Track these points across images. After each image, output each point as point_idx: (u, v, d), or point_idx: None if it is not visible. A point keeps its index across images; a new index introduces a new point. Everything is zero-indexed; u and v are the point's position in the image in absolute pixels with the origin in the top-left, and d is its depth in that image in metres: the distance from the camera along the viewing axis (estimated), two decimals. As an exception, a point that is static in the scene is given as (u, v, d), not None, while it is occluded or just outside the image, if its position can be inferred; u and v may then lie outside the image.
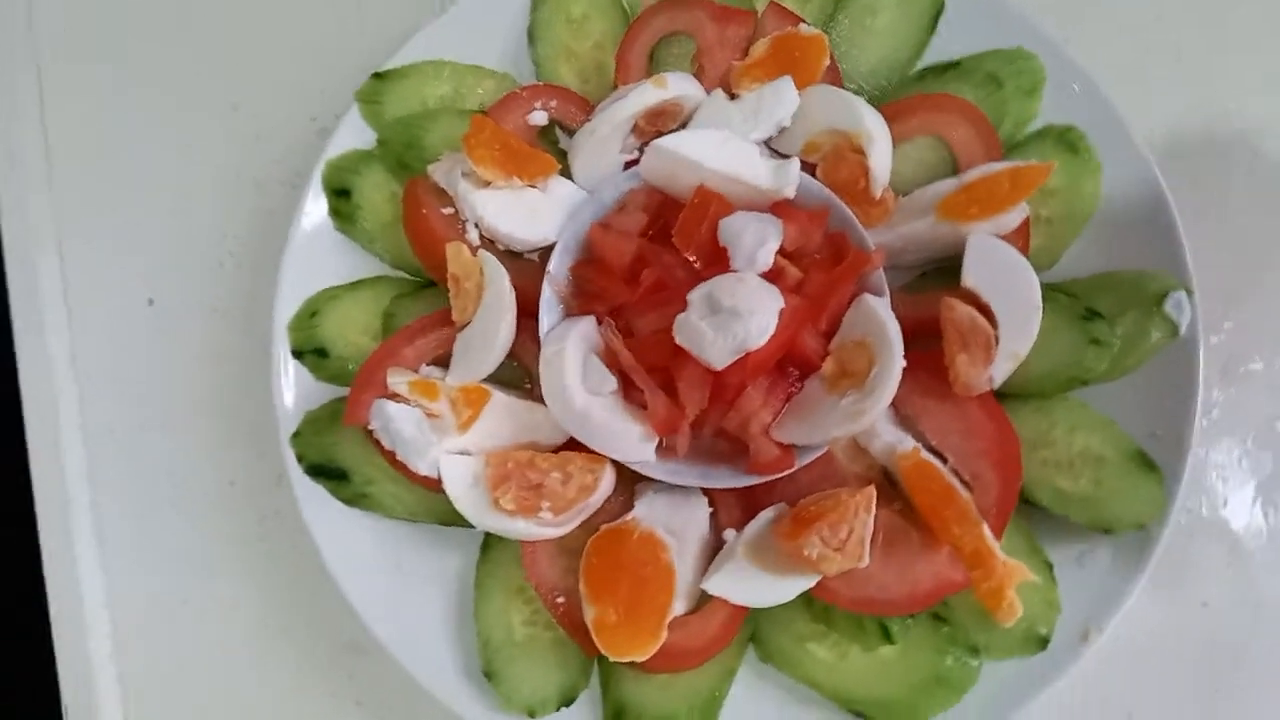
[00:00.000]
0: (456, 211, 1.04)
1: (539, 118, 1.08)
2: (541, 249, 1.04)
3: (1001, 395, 0.99)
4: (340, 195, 1.07)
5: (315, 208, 1.07)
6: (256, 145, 1.20)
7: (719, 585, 0.94)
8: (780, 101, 1.03)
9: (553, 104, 1.08)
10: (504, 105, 1.07)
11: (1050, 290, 1.00)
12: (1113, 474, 0.97)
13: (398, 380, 0.97)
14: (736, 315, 0.92)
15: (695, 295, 0.94)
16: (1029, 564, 0.95)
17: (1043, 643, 0.94)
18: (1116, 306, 1.01)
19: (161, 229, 1.19)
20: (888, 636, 0.94)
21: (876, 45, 1.10)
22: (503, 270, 0.98)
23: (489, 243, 1.04)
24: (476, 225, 1.03)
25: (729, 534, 0.97)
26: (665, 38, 1.09)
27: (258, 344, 1.09)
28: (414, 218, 1.04)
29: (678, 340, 0.93)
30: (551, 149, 1.09)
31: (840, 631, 0.96)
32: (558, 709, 0.97)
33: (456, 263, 1.00)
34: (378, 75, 1.09)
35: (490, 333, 0.97)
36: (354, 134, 1.09)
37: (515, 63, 1.13)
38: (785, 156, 1.04)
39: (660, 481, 0.98)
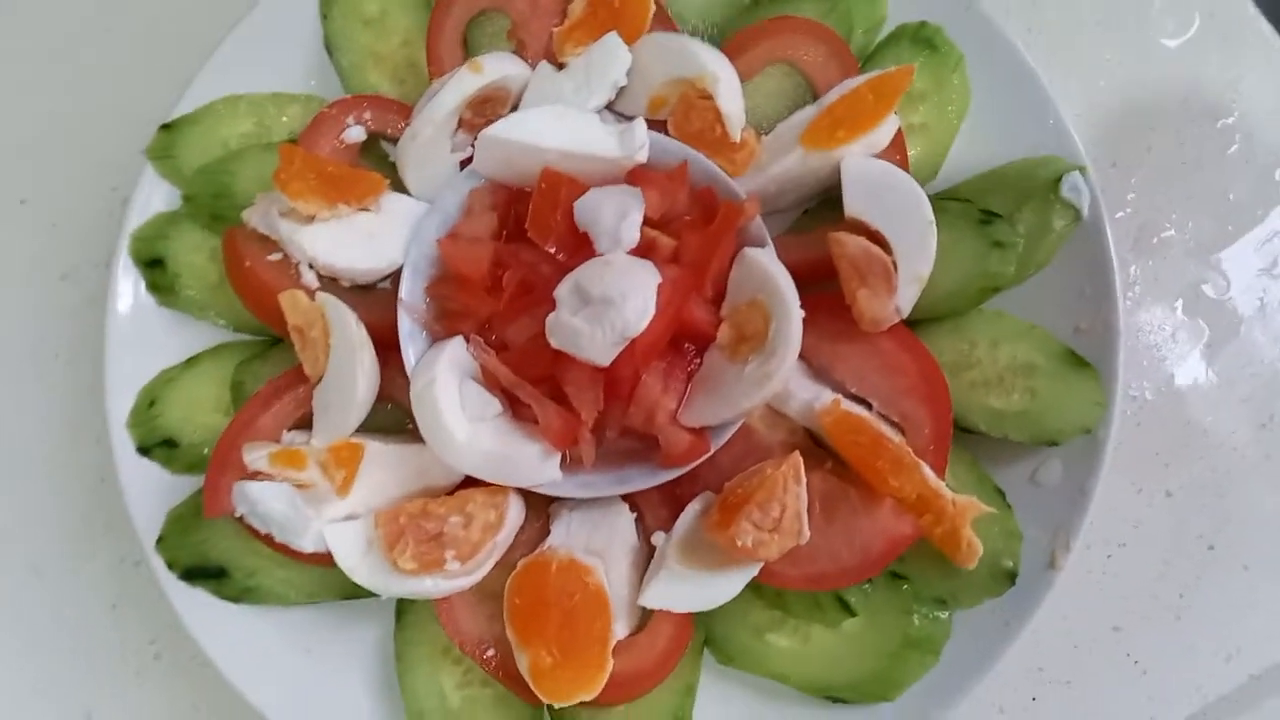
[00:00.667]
0: (285, 255, 0.93)
1: (355, 134, 0.97)
2: (390, 275, 0.94)
3: (912, 323, 0.92)
4: (154, 266, 0.95)
5: (129, 286, 0.95)
6: (56, 233, 1.07)
7: (657, 596, 0.85)
8: (610, 60, 0.94)
9: (367, 116, 0.97)
10: (314, 129, 0.96)
11: (939, 201, 0.93)
12: (1046, 381, 0.90)
13: (256, 455, 0.86)
14: (609, 303, 0.82)
15: (562, 290, 0.85)
16: (979, 496, 0.88)
17: (1010, 577, 0.87)
18: (1012, 203, 0.94)
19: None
20: (848, 609, 0.86)
21: None
22: (345, 309, 0.88)
23: (331, 282, 0.94)
24: (310, 266, 0.92)
25: (658, 538, 0.88)
26: (475, 18, 0.99)
27: (102, 448, 0.97)
28: (238, 272, 0.93)
29: (553, 344, 0.84)
30: (379, 165, 0.99)
31: (798, 615, 0.88)
32: (516, 770, 0.88)
33: (295, 312, 0.89)
34: (165, 127, 0.97)
35: (347, 381, 0.87)
36: (157, 196, 0.97)
37: (320, 80, 1.02)
38: (629, 118, 0.95)
39: (576, 499, 0.90)
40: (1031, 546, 0.88)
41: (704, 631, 0.89)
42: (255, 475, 0.86)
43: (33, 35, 1.13)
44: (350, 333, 0.87)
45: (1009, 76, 0.97)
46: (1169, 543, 1.00)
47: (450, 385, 0.87)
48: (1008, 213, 0.94)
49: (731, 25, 1.02)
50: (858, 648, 0.87)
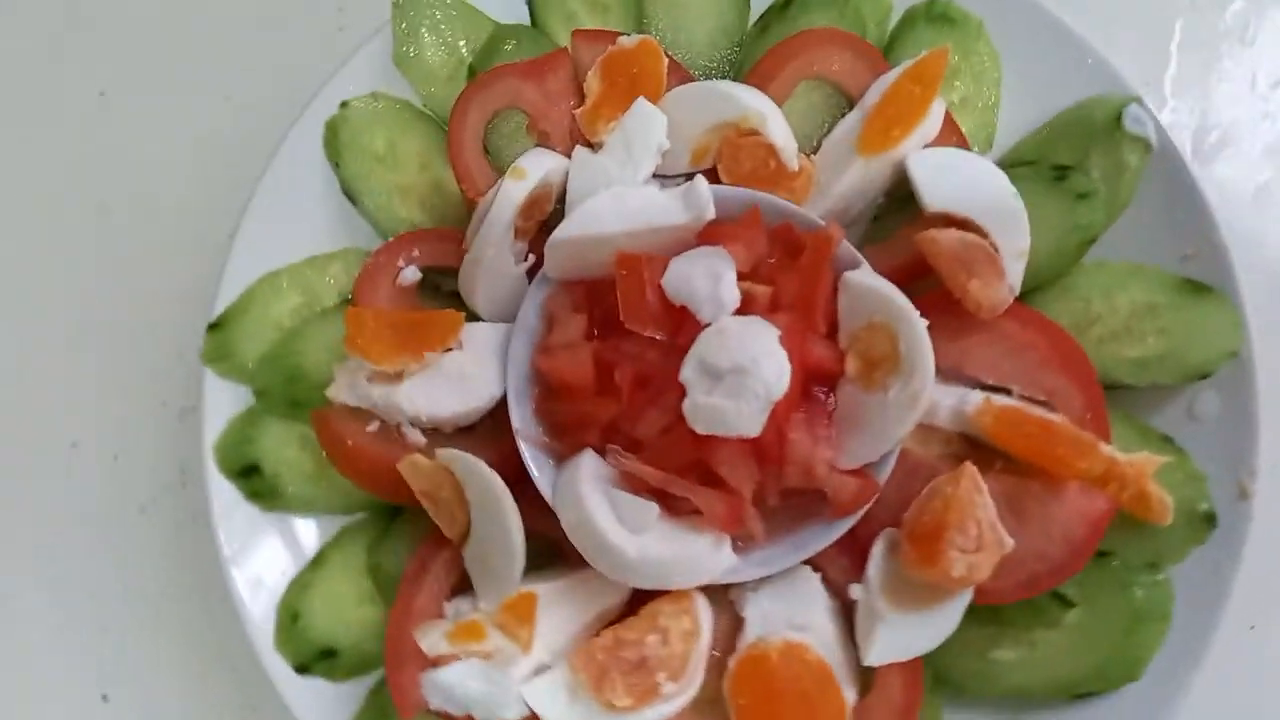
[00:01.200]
0: (383, 422, 0.88)
1: (410, 275, 0.92)
2: (493, 410, 0.90)
3: (1021, 298, 0.90)
4: (249, 475, 0.90)
5: (225, 501, 0.90)
6: (120, 467, 1.01)
7: (882, 652, 0.81)
8: (649, 126, 0.90)
9: (416, 253, 0.93)
10: (367, 283, 0.91)
11: (1009, 170, 0.91)
12: (1174, 316, 0.88)
13: (433, 641, 0.81)
14: (744, 371, 0.79)
15: (688, 373, 0.81)
16: (1148, 448, 0.86)
17: (1209, 519, 0.85)
18: (1079, 151, 0.93)
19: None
20: (1066, 602, 0.84)
21: (702, 19, 1.00)
22: (476, 461, 0.83)
23: (435, 432, 0.89)
24: (413, 424, 0.88)
25: (855, 590, 0.85)
26: (490, 124, 0.95)
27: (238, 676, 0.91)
28: (342, 454, 0.88)
29: (699, 430, 0.80)
30: (444, 300, 0.94)
31: (1016, 624, 0.85)
32: None
33: (419, 478, 0.84)
34: (213, 326, 0.92)
35: (499, 533, 0.82)
36: (224, 400, 0.92)
37: (349, 229, 0.97)
38: (683, 178, 0.93)
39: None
40: (1217, 484, 0.86)
41: (929, 671, 0.86)
42: (437, 661, 0.81)
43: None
44: (489, 483, 0.82)
45: (1033, 28, 0.96)
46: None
47: (601, 504, 0.82)
48: (1077, 162, 0.93)
49: (743, 56, 1.00)
50: (1088, 637, 0.84)
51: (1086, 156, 0.93)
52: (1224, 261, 0.90)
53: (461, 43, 0.98)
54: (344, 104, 0.96)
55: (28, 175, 1.10)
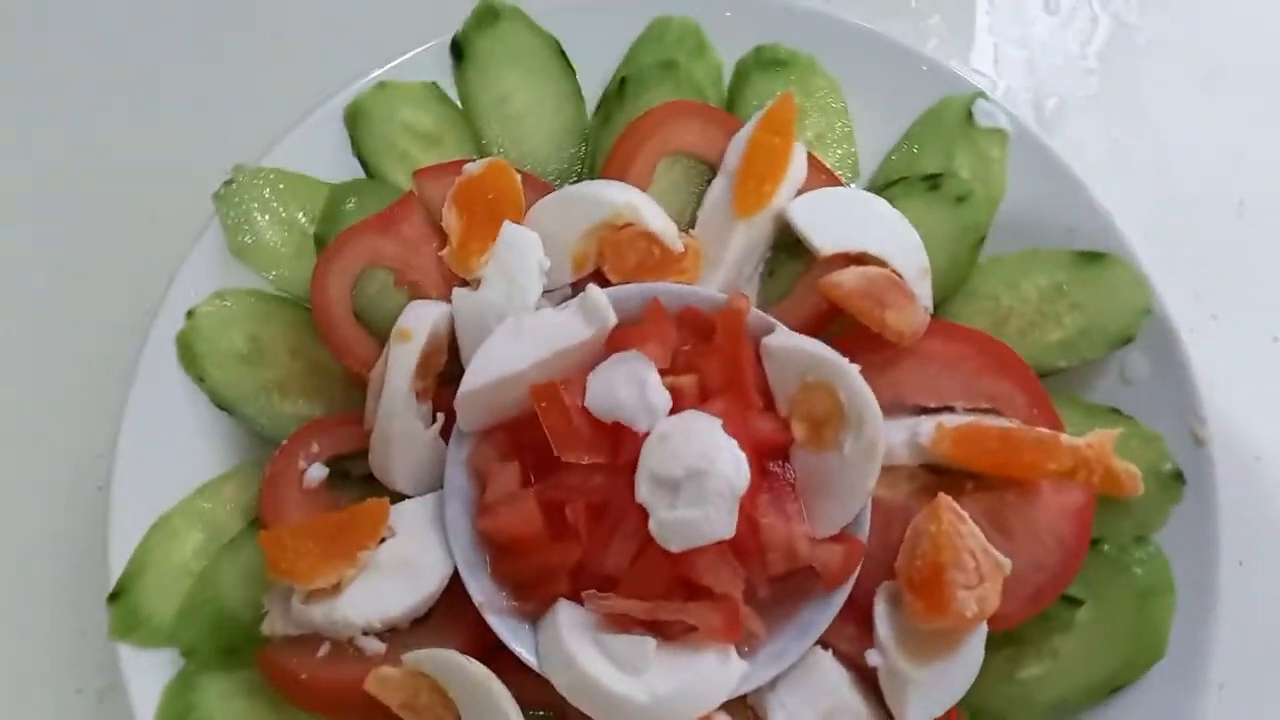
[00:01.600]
0: (333, 642, 0.80)
1: (316, 474, 0.85)
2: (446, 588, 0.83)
3: (936, 313, 0.89)
4: None
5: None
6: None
7: (920, 714, 0.78)
8: (522, 250, 0.86)
9: (314, 449, 0.85)
10: (270, 497, 0.84)
11: (884, 192, 0.92)
12: (1081, 290, 0.90)
13: None
14: (700, 473, 0.75)
15: (644, 492, 0.76)
16: (1099, 425, 0.86)
17: (1178, 476, 0.85)
18: (943, 155, 0.95)
19: None
20: (1074, 601, 0.82)
21: (539, 124, 0.97)
22: (449, 654, 0.76)
23: (392, 633, 0.81)
24: (366, 633, 0.80)
25: (872, 656, 0.81)
26: (354, 289, 0.89)
27: None
28: (298, 691, 0.79)
29: (673, 548, 0.75)
30: (359, 487, 0.87)
31: (1032, 638, 0.83)
32: None
33: (390, 692, 0.76)
34: (113, 597, 0.82)
35: None
36: (147, 672, 0.82)
37: (233, 445, 0.90)
38: (569, 288, 0.89)
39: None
40: (1172, 439, 0.86)
41: (967, 713, 0.82)
42: None
43: None
44: (470, 674, 0.75)
45: (859, 49, 0.98)
46: None
47: (593, 655, 0.76)
48: (945, 167, 0.94)
49: (592, 149, 0.97)
50: (1104, 630, 0.82)
51: (951, 159, 0.94)
52: (1108, 224, 0.92)
53: (299, 215, 0.92)
54: (190, 314, 0.88)
55: None
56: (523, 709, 0.78)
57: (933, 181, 0.92)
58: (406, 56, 0.95)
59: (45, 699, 0.92)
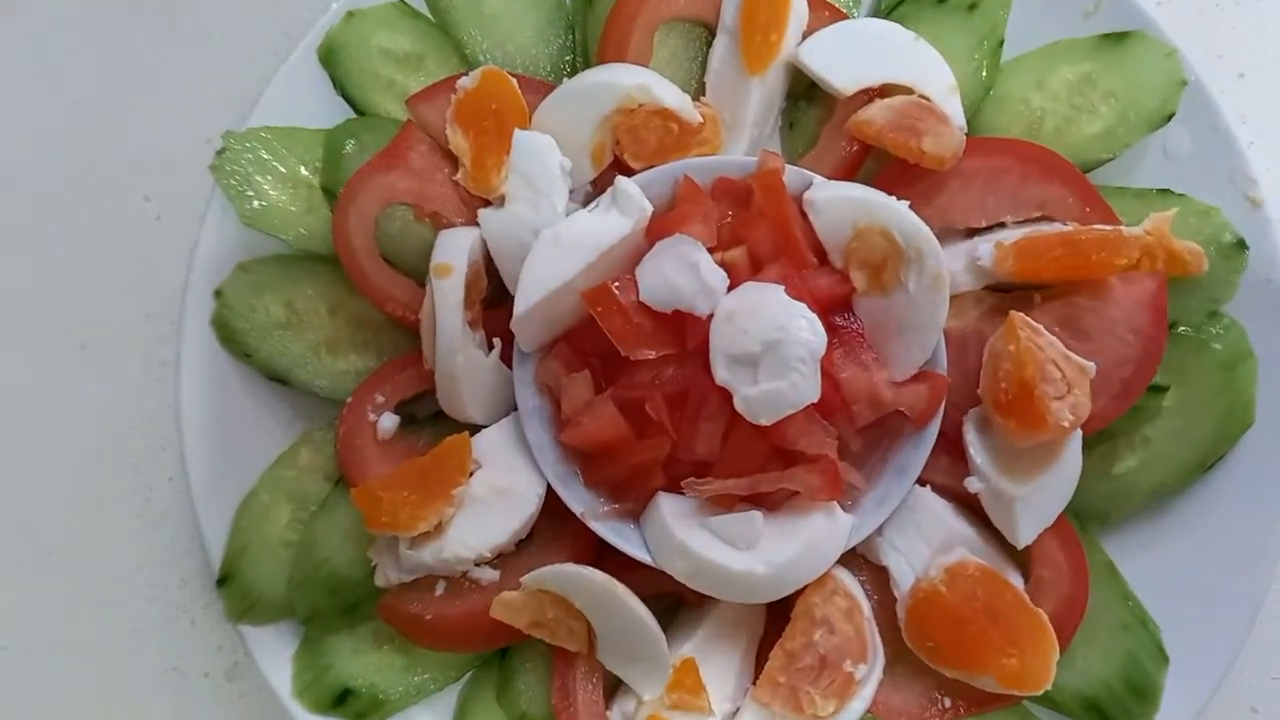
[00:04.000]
0: (447, 579, 0.82)
1: (387, 423, 0.86)
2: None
3: (968, 129, 0.88)
4: (344, 702, 0.84)
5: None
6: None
7: (1029, 529, 0.80)
8: (540, 156, 0.84)
9: (379, 400, 0.86)
10: (348, 455, 0.85)
11: (892, 15, 0.90)
12: (1111, 75, 0.88)
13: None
14: (776, 344, 0.75)
15: (722, 373, 0.77)
16: (1153, 208, 0.84)
17: (1240, 244, 0.85)
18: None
19: None
20: (1159, 388, 0.83)
21: (520, 21, 0.93)
22: (568, 568, 0.79)
23: (500, 559, 0.83)
24: (478, 564, 0.82)
25: (972, 484, 0.82)
26: (376, 232, 0.86)
27: None
28: (425, 632, 0.82)
29: (764, 422, 0.76)
30: (432, 427, 0.87)
31: (1124, 431, 0.84)
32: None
33: (517, 614, 0.80)
34: (221, 582, 0.84)
35: (630, 622, 0.79)
36: (273, 646, 0.85)
37: (297, 413, 0.90)
38: (594, 185, 0.88)
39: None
40: (1229, 207, 0.86)
41: (1072, 517, 0.84)
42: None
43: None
44: (592, 582, 0.78)
45: None
46: None
47: (705, 539, 0.79)
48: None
49: (583, 36, 0.93)
50: (1192, 409, 0.84)
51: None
52: (1132, 3, 0.89)
53: (301, 169, 0.88)
54: (218, 293, 0.87)
55: None
56: (645, 603, 0.81)
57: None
58: None
59: (176, 690, 0.95)
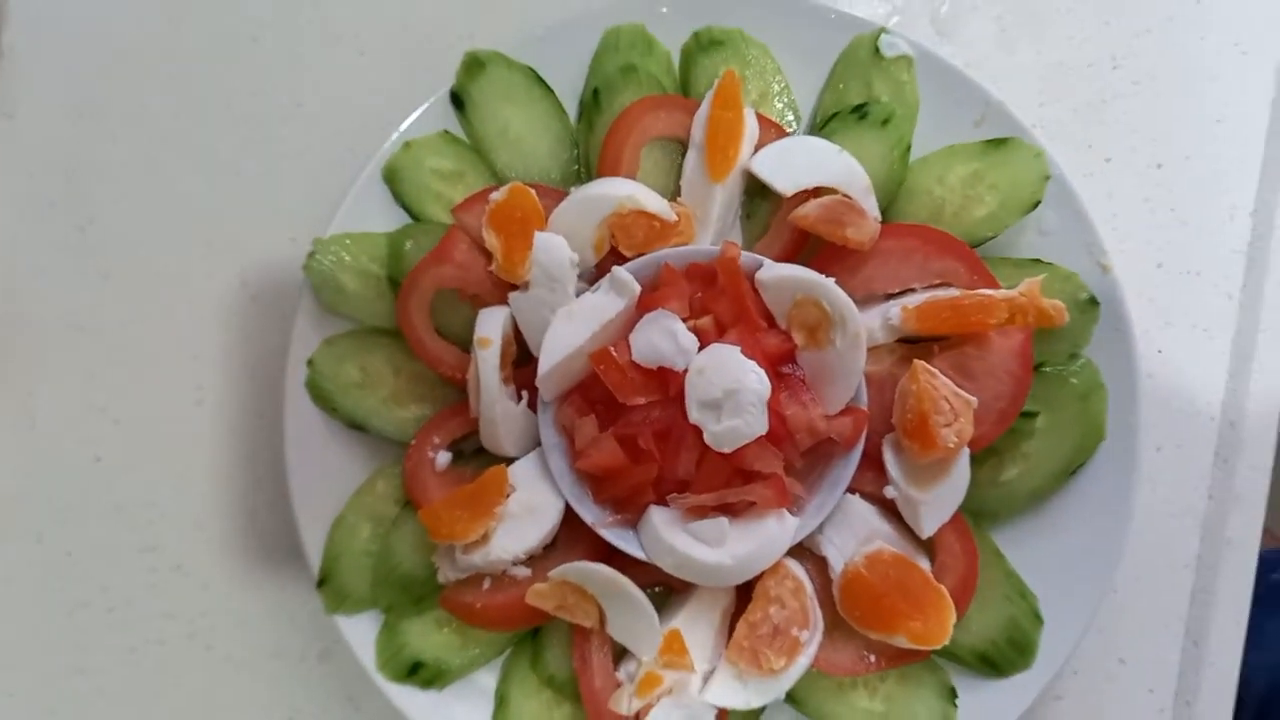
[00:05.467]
0: (491, 576, 1.06)
1: (443, 459, 1.08)
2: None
3: (885, 218, 1.10)
4: (416, 672, 1.06)
5: (403, 697, 1.07)
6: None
7: (931, 523, 1.03)
8: (554, 253, 1.05)
9: (436, 441, 1.09)
10: (414, 484, 1.07)
11: (824, 130, 1.12)
12: (994, 173, 1.09)
13: (627, 702, 1.01)
14: (734, 391, 0.98)
15: (695, 414, 0.99)
16: (1026, 274, 1.07)
17: (1093, 301, 1.07)
18: (864, 86, 1.13)
19: None
20: (1031, 414, 1.06)
21: (536, 144, 1.15)
22: (585, 564, 1.02)
23: (530, 560, 1.06)
24: (514, 564, 1.05)
25: (889, 491, 1.05)
26: (431, 310, 1.10)
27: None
28: (476, 616, 1.06)
29: (725, 450, 0.99)
30: (473, 460, 1.10)
31: (1007, 449, 1.07)
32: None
33: (546, 600, 1.03)
34: (321, 583, 1.08)
35: (630, 604, 1.02)
36: (361, 631, 1.08)
37: (370, 453, 1.12)
38: (597, 269, 1.10)
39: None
40: (1085, 273, 1.08)
41: (968, 515, 1.07)
42: (639, 715, 1.01)
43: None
44: (602, 575, 1.01)
45: (776, 12, 1.15)
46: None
47: (685, 541, 1.01)
48: (868, 96, 1.13)
49: (585, 152, 1.15)
50: (1058, 430, 1.06)
51: (871, 88, 1.13)
52: (1004, 112, 1.11)
53: (371, 264, 1.11)
54: (309, 362, 1.10)
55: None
56: (641, 589, 1.04)
57: (860, 111, 1.11)
58: (417, 114, 1.13)
59: (280, 670, 1.17)
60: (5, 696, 1.17)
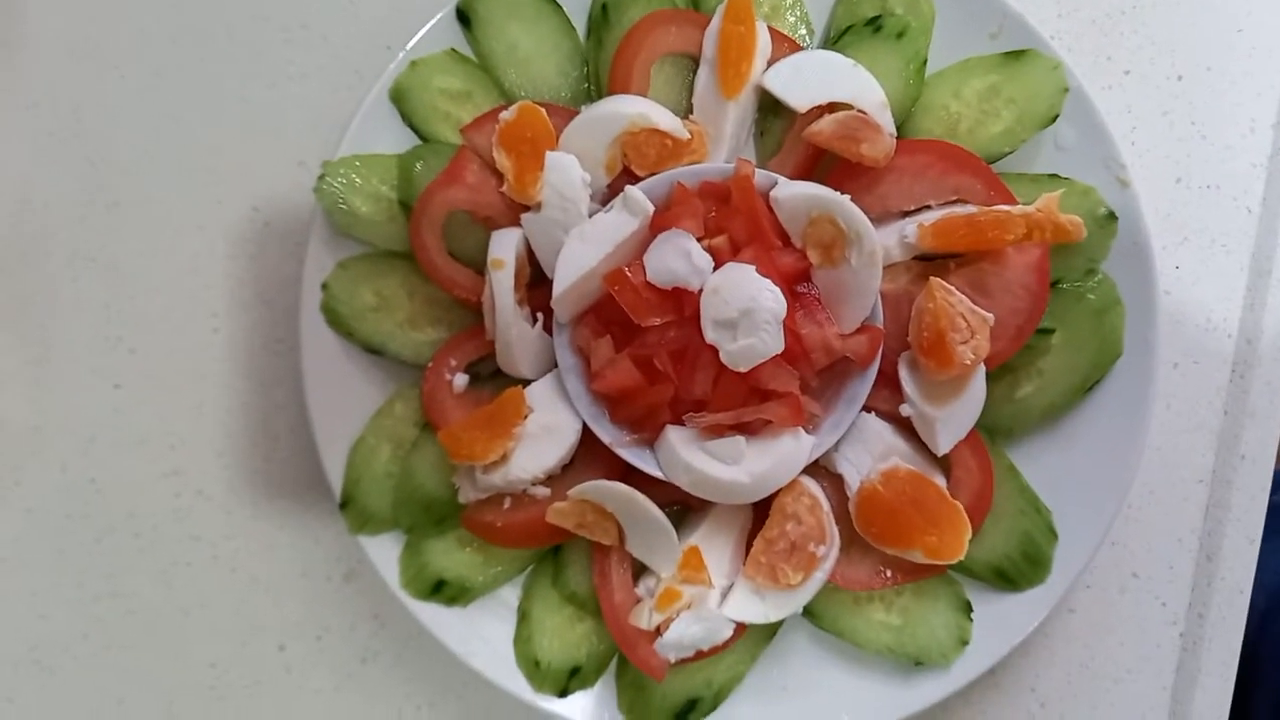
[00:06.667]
0: (512, 495, 1.07)
1: (460, 382, 1.09)
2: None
3: (900, 133, 1.09)
4: (440, 590, 1.08)
5: (428, 614, 1.10)
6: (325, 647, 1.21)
7: (947, 440, 1.04)
8: (566, 173, 1.04)
9: (453, 363, 1.09)
10: (432, 406, 1.08)
11: (837, 44, 1.11)
12: (1011, 86, 1.07)
13: (647, 617, 1.03)
14: (750, 311, 0.98)
15: (710, 334, 0.99)
16: (1044, 189, 1.06)
17: (1111, 215, 1.06)
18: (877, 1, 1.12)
19: None
20: (1047, 331, 1.06)
21: (544, 62, 1.13)
22: (602, 483, 1.03)
23: (549, 479, 1.07)
24: (534, 484, 1.06)
25: (905, 409, 1.05)
26: (444, 232, 1.09)
27: None
28: (498, 534, 1.07)
29: (742, 369, 1.00)
30: (491, 382, 1.11)
31: (1023, 366, 1.07)
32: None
33: (566, 518, 1.04)
34: (343, 505, 1.10)
35: (649, 521, 1.03)
36: (384, 549, 1.10)
37: (387, 376, 1.13)
38: (609, 189, 1.09)
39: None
40: (1103, 188, 1.07)
41: (983, 432, 1.07)
42: (659, 629, 1.03)
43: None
44: (620, 492, 1.02)
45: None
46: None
47: (702, 459, 1.02)
48: (881, 8, 1.11)
49: (594, 69, 1.13)
50: (1074, 346, 1.05)
51: (885, 1, 1.11)
52: (1022, 23, 1.09)
53: (382, 186, 1.11)
54: (324, 286, 1.10)
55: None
56: (660, 507, 1.05)
57: (875, 24, 1.09)
58: (423, 32, 1.11)
59: (307, 590, 1.19)
60: (39, 620, 1.19)
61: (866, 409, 1.07)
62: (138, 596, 1.20)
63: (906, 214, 1.09)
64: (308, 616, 1.19)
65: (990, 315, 1.02)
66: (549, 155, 1.06)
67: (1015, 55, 1.09)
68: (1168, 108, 1.20)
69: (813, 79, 1.08)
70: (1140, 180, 1.09)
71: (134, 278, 1.22)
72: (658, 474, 1.04)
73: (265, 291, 1.22)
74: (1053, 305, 1.05)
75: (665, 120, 1.07)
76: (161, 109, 1.24)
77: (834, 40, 1.12)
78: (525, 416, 1.06)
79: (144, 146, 1.24)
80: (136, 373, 1.22)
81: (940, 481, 1.06)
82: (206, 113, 1.24)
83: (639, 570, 1.08)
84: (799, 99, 1.08)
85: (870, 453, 1.07)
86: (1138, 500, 1.15)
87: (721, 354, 1.00)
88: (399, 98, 1.12)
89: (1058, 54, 1.08)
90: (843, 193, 1.02)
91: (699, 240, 1.02)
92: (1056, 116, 1.08)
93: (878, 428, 1.07)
